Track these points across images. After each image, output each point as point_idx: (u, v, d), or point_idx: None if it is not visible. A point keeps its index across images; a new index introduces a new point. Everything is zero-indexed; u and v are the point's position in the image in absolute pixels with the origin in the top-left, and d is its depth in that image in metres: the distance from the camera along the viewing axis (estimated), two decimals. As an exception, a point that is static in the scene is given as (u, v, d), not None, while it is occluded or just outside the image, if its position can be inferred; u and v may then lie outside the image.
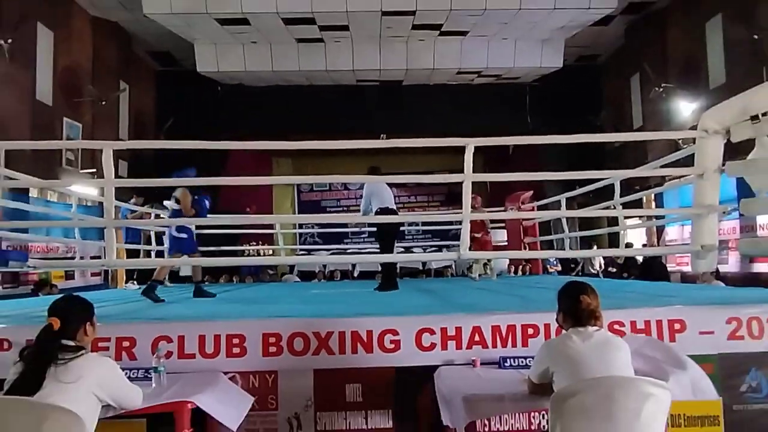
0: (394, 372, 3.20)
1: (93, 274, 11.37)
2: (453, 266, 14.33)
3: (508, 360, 3.10)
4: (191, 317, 3.52)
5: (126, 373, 2.66)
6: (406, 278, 12.42)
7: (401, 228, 9.81)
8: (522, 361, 3.04)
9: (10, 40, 8.28)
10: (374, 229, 7.12)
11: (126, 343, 3.15)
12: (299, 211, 17.87)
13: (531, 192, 10.18)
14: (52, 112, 10.17)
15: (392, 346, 3.19)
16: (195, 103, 14.19)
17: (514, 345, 3.22)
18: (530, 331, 3.24)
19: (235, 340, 3.17)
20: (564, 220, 7.94)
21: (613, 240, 12.19)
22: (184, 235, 6.08)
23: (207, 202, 6.89)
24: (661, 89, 11.31)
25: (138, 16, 11.38)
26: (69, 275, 10.61)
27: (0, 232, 6.46)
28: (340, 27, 11.67)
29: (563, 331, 2.53)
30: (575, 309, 2.45)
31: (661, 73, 11.74)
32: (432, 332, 3.22)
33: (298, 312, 3.76)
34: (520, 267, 11.35)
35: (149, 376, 2.80)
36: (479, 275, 8.68)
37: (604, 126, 13.86)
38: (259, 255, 13.95)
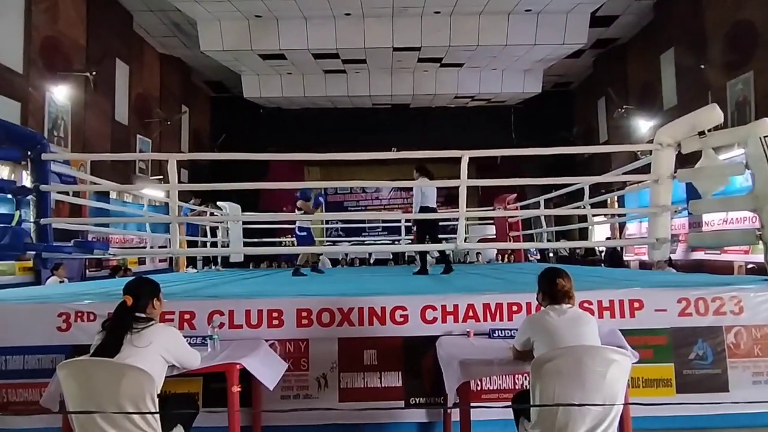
0: (403, 341, 3.20)
1: (160, 261, 11.49)
2: (451, 255, 14.25)
3: (496, 331, 3.07)
4: (239, 295, 3.53)
5: (187, 340, 2.68)
6: (413, 265, 12.39)
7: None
8: (508, 333, 3.01)
9: (94, 73, 8.37)
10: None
11: (187, 316, 3.17)
12: (326, 210, 17.90)
13: (515, 195, 10.11)
14: (127, 131, 10.28)
15: (402, 319, 3.18)
16: (242, 122, 14.29)
17: (501, 319, 3.19)
18: (515, 308, 3.21)
19: (275, 314, 3.18)
20: (542, 218, 7.88)
21: (583, 235, 12.08)
22: (305, 233, 6.44)
23: (321, 199, 7.22)
24: (623, 110, 11.16)
25: (196, 53, 11.47)
26: (141, 261, 10.72)
27: (87, 227, 6.65)
28: (359, 60, 11.67)
29: (542, 308, 2.50)
30: (552, 290, 2.43)
31: (623, 97, 11.58)
32: (434, 308, 3.20)
33: (325, 291, 3.77)
34: (506, 256, 11.26)
35: (206, 342, 2.82)
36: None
37: (576, 140, 13.74)
38: (293, 245, 14.01)
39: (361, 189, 18.05)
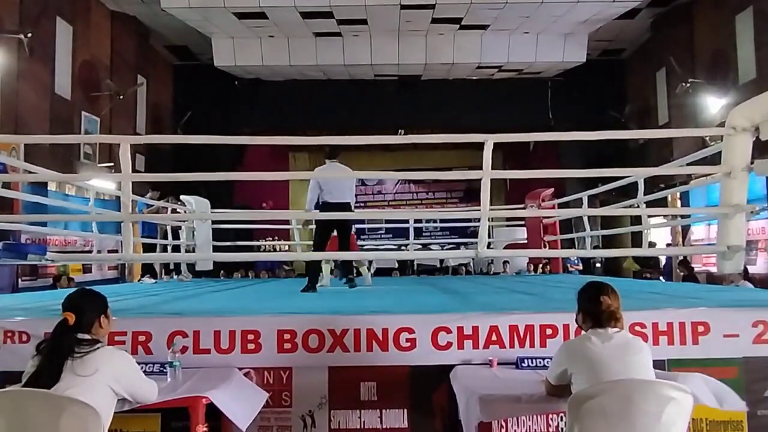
0: (409, 370, 3.21)
1: (110, 268, 11.57)
2: (471, 264, 14.31)
3: (525, 360, 3.08)
4: (207, 312, 3.55)
5: (141, 368, 2.70)
6: (423, 276, 12.44)
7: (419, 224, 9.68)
8: (540, 362, 3.02)
9: (30, 34, 8.41)
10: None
11: (142, 338, 3.19)
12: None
13: (552, 190, 10.09)
14: (70, 107, 10.33)
15: (408, 344, 3.20)
16: (212, 97, 14.31)
17: (532, 345, 3.20)
18: (549, 331, 3.22)
19: (250, 336, 3.20)
20: (585, 219, 7.85)
21: (636, 240, 12.07)
22: None
23: None
24: (688, 85, 11.13)
25: (156, 10, 11.50)
26: (86, 269, 10.80)
27: (20, 225, 6.67)
28: (358, 21, 11.67)
29: (582, 332, 2.51)
30: (595, 310, 2.44)
31: (689, 68, 11.55)
32: (448, 331, 3.21)
33: (313, 308, 3.79)
34: (540, 266, 11.26)
35: (165, 370, 2.84)
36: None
37: (628, 123, 13.69)
38: (274, 251, 14.06)
39: (360, 181, 18.11)
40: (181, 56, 14.74)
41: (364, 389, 3.21)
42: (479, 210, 4.09)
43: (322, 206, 5.61)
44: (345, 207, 5.52)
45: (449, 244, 13.75)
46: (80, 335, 2.24)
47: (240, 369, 3.11)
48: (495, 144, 4.00)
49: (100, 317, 2.35)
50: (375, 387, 3.21)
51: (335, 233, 5.75)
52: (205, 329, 3.20)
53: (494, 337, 3.21)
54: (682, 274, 10.47)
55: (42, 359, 2.17)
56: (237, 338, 3.19)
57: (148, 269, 8.82)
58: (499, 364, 3.09)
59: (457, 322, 3.23)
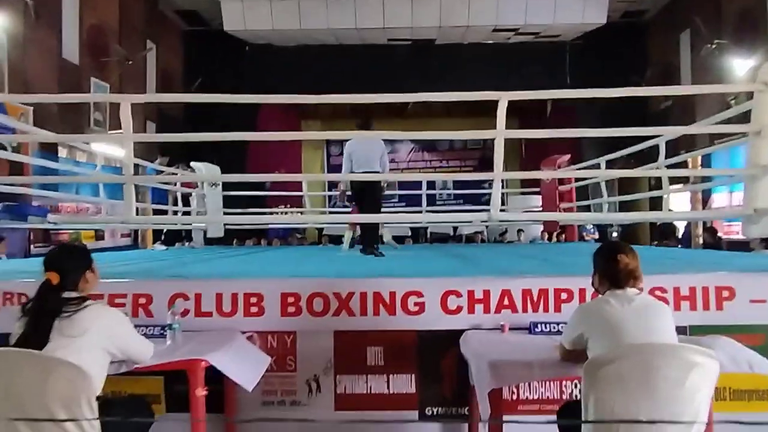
0: (417, 335, 3.11)
1: (122, 235, 11.55)
2: (485, 232, 14.16)
3: (538, 325, 2.96)
4: (209, 275, 3.46)
5: (141, 330, 2.63)
6: (436, 243, 12.32)
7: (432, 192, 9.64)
8: (554, 327, 2.90)
9: (35, -3, 8.28)
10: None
11: (142, 300, 3.12)
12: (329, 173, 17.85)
13: (568, 156, 9.86)
14: (78, 72, 10.19)
15: (416, 308, 3.08)
16: (222, 63, 14.09)
17: (546, 310, 3.07)
18: (563, 295, 3.09)
19: (253, 299, 3.11)
20: (603, 184, 7.63)
21: (655, 208, 11.80)
22: None
23: None
24: (714, 46, 10.69)
25: (164, -28, 11.26)
26: (99, 236, 10.79)
27: (30, 190, 6.66)
28: (371, -19, 11.35)
29: (599, 296, 2.37)
30: (612, 269, 2.28)
31: (714, 29, 11.08)
32: (458, 295, 3.09)
33: (319, 271, 3.68)
34: (555, 234, 11.08)
35: (164, 333, 2.76)
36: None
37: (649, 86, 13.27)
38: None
39: (372, 148, 17.95)
40: (190, 22, 14.50)
41: (370, 354, 3.13)
42: (493, 173, 3.91)
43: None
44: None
45: (463, 212, 13.59)
46: (66, 294, 2.14)
47: (243, 333, 3.03)
48: (510, 110, 3.80)
49: (84, 272, 2.24)
50: (382, 352, 3.12)
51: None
52: (207, 292, 3.12)
53: (506, 302, 3.09)
54: (703, 242, 10.20)
55: (28, 320, 2.09)
56: (240, 301, 3.11)
57: (159, 235, 8.79)
58: (510, 329, 2.97)
59: (467, 286, 3.11)
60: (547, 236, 12.50)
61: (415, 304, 3.09)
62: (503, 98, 3.85)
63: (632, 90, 4.53)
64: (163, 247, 8.46)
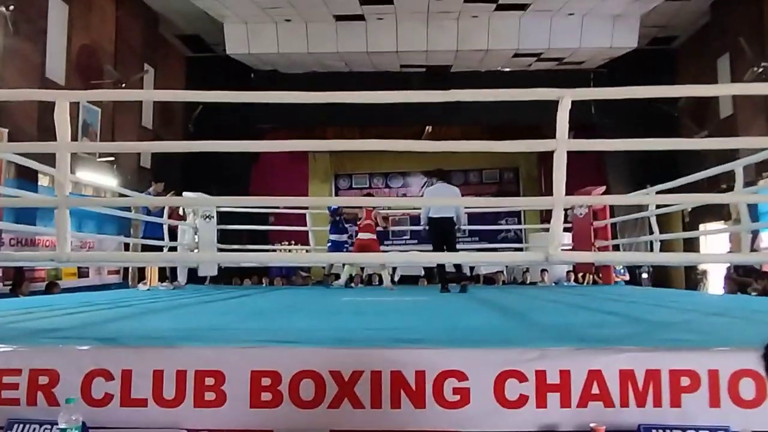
0: (458, 440, 2.02)
1: (110, 272, 10.57)
2: (504, 272, 13.04)
3: (652, 430, 1.88)
4: (148, 340, 2.41)
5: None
6: (453, 285, 11.18)
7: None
8: (679, 436, 1.81)
9: (12, 7, 7.47)
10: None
11: (44, 379, 2.07)
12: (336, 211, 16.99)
13: (603, 188, 8.89)
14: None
15: (457, 397, 2.01)
16: (226, 90, 13.30)
17: (658, 403, 1.99)
18: (685, 381, 2.00)
19: (209, 380, 2.05)
20: (653, 219, 6.58)
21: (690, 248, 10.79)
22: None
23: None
24: (760, 69, 9.72)
25: (165, -6, 10.59)
26: (82, 273, 9.81)
27: (1, 224, 5.80)
28: (383, 1, 10.55)
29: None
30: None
31: (759, 52, 10.14)
32: (521, 377, 2.02)
33: (311, 332, 2.62)
34: (588, 275, 9.97)
35: (55, 440, 1.71)
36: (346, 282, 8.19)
37: (682, 117, 12.32)
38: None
39: (384, 183, 17.17)
40: (194, 47, 13.81)
41: (387, 469, 2.03)
42: (552, 197, 2.89)
43: (429, 221, 6.50)
44: (448, 221, 6.41)
45: (479, 250, 12.52)
46: None
47: (190, 433, 1.97)
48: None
49: None
50: (404, 467, 2.03)
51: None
52: (140, 368, 2.07)
53: (596, 389, 2.01)
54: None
55: None
56: (188, 383, 2.05)
57: (169, 274, 7.83)
58: (609, 435, 1.89)
59: (534, 363, 2.04)
60: (573, 277, 11.40)
61: (456, 390, 2.02)
62: (566, 97, 2.90)
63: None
64: (145, 287, 7.44)
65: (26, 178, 8.00)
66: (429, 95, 3.35)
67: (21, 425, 1.88)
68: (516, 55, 12.21)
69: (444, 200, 6.32)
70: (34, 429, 1.79)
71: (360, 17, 11.17)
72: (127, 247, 9.21)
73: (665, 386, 2.00)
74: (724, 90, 7.81)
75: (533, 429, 1.97)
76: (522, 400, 2.00)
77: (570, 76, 13.22)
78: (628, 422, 1.94)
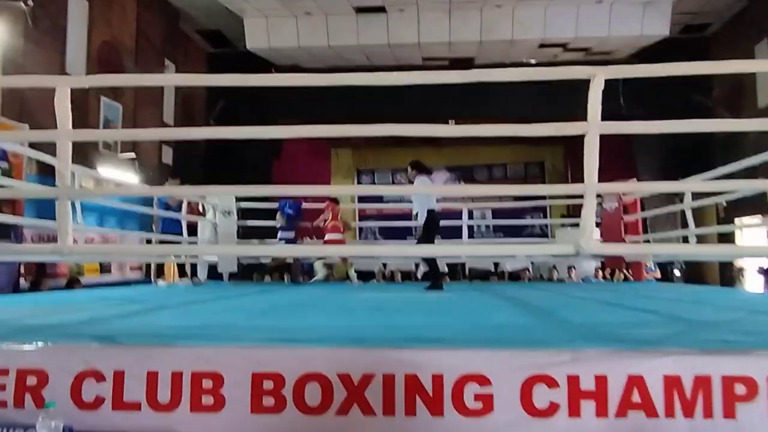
0: (480, 452, 1.82)
1: (131, 268, 10.56)
2: (530, 269, 12.71)
3: (703, 445, 1.64)
4: (143, 338, 2.24)
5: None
6: (476, 281, 10.93)
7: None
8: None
9: (31, 3, 7.45)
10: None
11: (32, 380, 1.92)
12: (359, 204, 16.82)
13: (633, 180, 8.57)
14: (85, 90, 9.35)
15: (479, 404, 1.80)
16: (248, 86, 13.21)
17: (708, 414, 1.76)
18: (740, 388, 1.76)
19: (207, 382, 1.88)
20: (689, 213, 6.25)
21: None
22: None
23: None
24: (801, 55, 9.27)
25: (187, -11, 10.53)
26: (105, 268, 9.81)
27: (23, 220, 5.81)
28: (405, -8, 10.35)
29: None
30: None
31: (799, 36, 9.67)
32: (551, 383, 1.80)
33: (321, 330, 2.43)
34: (618, 271, 9.62)
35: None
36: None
37: (717, 107, 11.85)
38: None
39: (408, 180, 16.85)
40: (215, 43, 13.78)
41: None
42: (583, 184, 2.66)
43: (429, 213, 6.22)
44: (439, 215, 6.55)
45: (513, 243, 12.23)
46: None
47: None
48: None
49: None
50: (420, 481, 1.83)
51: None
52: (132, 369, 1.91)
53: (637, 396, 1.78)
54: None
55: None
56: (184, 386, 1.88)
57: (192, 270, 7.82)
58: (653, 450, 1.66)
59: (566, 367, 1.82)
60: (602, 274, 11.04)
61: (478, 396, 1.81)
62: (598, 75, 2.67)
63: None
64: (163, 283, 7.38)
65: (48, 174, 8.02)
66: (449, 75, 3.15)
67: (3, 429, 1.73)
68: (542, 46, 11.85)
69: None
70: (11, 433, 1.64)
71: (381, 9, 10.96)
72: (148, 243, 9.19)
73: (717, 394, 1.76)
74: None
75: (565, 441, 1.76)
76: (552, 409, 1.79)
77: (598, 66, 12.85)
78: (674, 434, 1.71)
